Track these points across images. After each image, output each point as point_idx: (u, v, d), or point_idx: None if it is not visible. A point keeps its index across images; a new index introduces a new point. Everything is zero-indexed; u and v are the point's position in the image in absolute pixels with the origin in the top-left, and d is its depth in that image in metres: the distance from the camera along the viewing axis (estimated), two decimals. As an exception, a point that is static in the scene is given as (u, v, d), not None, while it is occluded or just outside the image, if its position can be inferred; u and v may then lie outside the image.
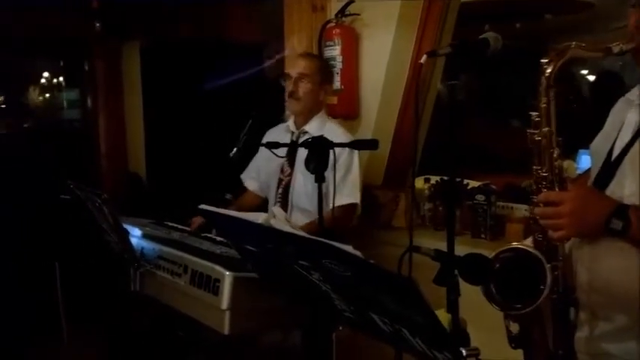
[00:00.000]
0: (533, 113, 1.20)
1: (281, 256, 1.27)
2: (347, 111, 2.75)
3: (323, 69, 2.31)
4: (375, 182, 2.93)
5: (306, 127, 2.27)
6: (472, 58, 1.24)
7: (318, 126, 2.26)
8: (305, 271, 1.21)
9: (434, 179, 2.88)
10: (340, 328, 1.45)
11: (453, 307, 1.28)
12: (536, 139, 1.20)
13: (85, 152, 4.83)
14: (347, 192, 2.17)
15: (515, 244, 1.34)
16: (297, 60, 2.29)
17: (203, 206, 1.40)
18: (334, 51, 2.65)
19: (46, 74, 6.28)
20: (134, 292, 1.92)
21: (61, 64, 6.21)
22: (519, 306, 1.25)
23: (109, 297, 2.28)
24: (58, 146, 4.86)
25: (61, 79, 6.26)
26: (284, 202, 2.29)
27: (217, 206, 1.45)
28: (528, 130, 1.22)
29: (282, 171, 2.31)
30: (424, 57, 1.27)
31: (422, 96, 2.75)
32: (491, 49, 1.26)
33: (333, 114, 2.78)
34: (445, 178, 2.86)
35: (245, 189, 2.54)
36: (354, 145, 1.70)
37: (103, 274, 2.30)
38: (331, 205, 2.07)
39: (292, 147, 2.17)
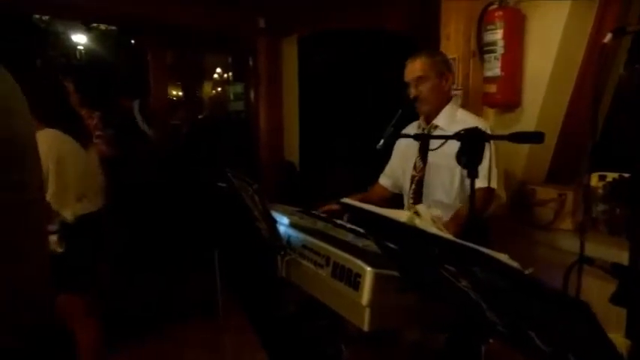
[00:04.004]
0: None
1: (425, 258, 1.17)
2: (507, 100, 2.52)
3: (436, 62, 2.22)
4: (537, 179, 2.66)
5: (436, 122, 2.23)
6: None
7: (449, 118, 2.21)
8: (452, 276, 1.09)
9: (611, 176, 2.51)
10: (491, 340, 1.30)
11: (634, 332, 1.07)
12: None
13: (248, 141, 5.17)
14: (480, 177, 2.05)
15: None
16: (408, 66, 2.23)
17: (345, 200, 1.35)
18: (495, 35, 2.43)
19: (218, 69, 6.87)
20: (281, 279, 1.96)
21: (229, 60, 6.74)
22: None
23: (258, 282, 2.36)
24: (224, 136, 5.28)
25: (230, 73, 6.80)
26: (417, 197, 2.26)
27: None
28: None
29: (414, 167, 2.29)
30: (609, 36, 1.06)
31: (601, 82, 2.41)
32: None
33: (492, 103, 2.58)
34: (625, 175, 2.48)
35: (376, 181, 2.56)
36: (515, 137, 1.50)
37: (253, 260, 2.39)
38: (467, 192, 1.99)
39: (423, 139, 2.18)
